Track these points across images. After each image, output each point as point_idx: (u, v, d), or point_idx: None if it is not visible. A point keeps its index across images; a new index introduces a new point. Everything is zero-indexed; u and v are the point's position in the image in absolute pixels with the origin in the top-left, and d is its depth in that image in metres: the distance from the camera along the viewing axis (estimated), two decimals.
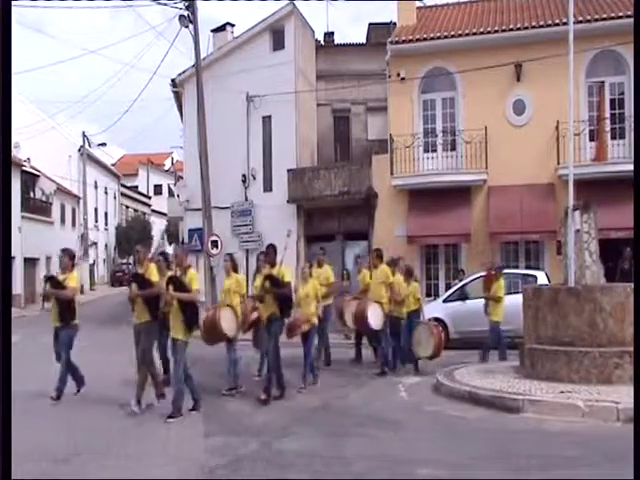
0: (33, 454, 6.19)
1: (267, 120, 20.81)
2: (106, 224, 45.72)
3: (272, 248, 9.12)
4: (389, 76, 18.71)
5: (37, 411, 8.22)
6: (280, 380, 8.82)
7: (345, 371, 11.18)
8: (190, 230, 21.06)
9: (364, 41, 24.22)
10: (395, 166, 17.90)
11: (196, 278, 7.88)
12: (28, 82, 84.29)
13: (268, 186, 20.83)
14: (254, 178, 20.88)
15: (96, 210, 43.03)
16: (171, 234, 50.29)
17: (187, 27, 18.86)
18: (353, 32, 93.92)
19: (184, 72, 21.62)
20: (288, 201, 19.96)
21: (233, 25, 23.36)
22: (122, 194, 51.03)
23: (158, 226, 53.42)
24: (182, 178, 25.16)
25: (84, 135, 37.85)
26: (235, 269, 9.63)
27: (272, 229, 19.37)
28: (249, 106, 20.75)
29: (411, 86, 18.27)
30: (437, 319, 12.76)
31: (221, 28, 23.19)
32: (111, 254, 47.78)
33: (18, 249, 28.16)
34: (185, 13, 18.70)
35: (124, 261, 48.26)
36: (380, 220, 18.65)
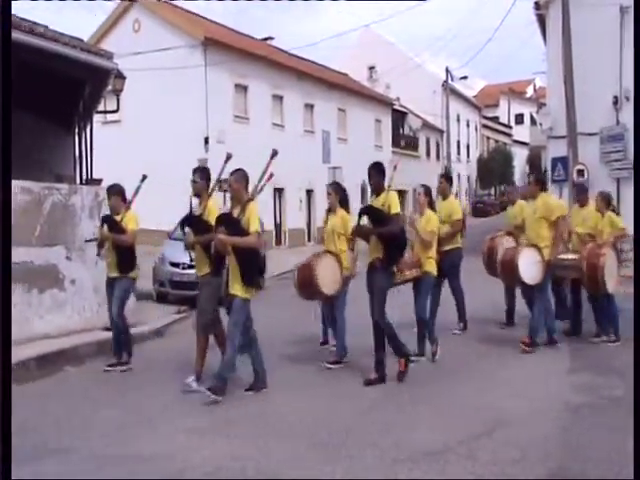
0: None
1: None
2: (468, 156, 46.65)
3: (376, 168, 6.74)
4: None
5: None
6: (399, 349, 6.40)
7: None
8: (553, 159, 20.16)
9: None
10: None
11: (255, 217, 5.85)
12: (393, 26, 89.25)
13: None
14: (627, 99, 18.89)
15: (458, 143, 44.11)
16: (533, 164, 48.98)
17: None
18: None
19: None
20: None
21: None
22: (483, 125, 51.22)
23: (520, 156, 52.44)
24: (545, 105, 24.09)
25: (447, 70, 38.75)
26: (344, 204, 7.24)
27: None
28: (622, 18, 18.60)
29: None
30: None
31: None
32: (472, 186, 48.79)
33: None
34: None
35: (485, 192, 48.92)
36: None
